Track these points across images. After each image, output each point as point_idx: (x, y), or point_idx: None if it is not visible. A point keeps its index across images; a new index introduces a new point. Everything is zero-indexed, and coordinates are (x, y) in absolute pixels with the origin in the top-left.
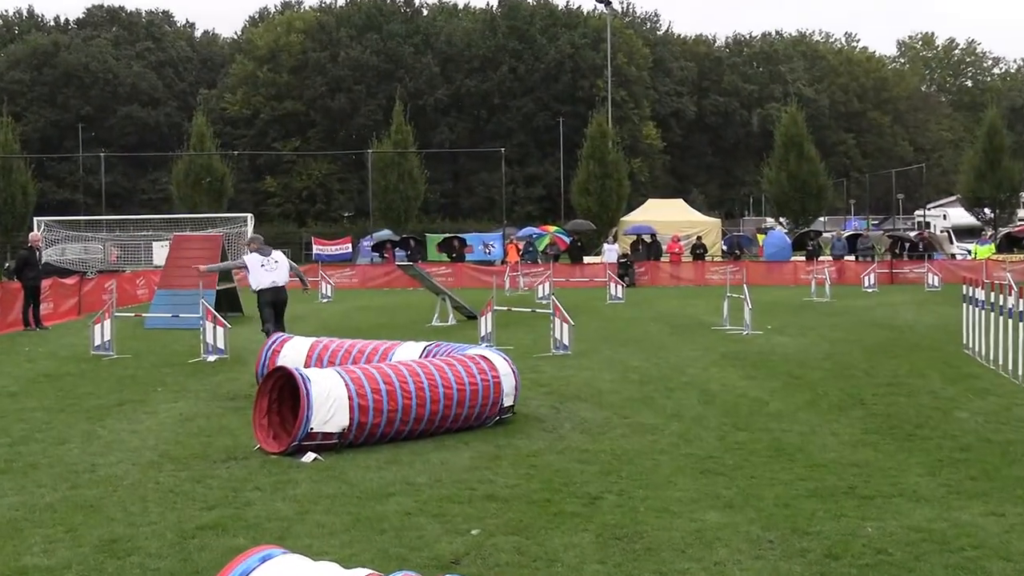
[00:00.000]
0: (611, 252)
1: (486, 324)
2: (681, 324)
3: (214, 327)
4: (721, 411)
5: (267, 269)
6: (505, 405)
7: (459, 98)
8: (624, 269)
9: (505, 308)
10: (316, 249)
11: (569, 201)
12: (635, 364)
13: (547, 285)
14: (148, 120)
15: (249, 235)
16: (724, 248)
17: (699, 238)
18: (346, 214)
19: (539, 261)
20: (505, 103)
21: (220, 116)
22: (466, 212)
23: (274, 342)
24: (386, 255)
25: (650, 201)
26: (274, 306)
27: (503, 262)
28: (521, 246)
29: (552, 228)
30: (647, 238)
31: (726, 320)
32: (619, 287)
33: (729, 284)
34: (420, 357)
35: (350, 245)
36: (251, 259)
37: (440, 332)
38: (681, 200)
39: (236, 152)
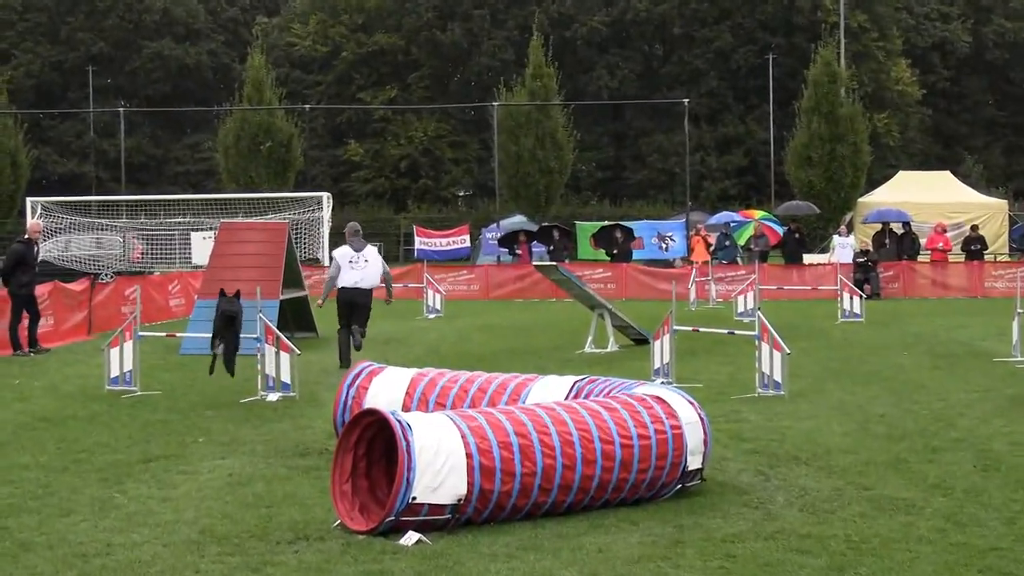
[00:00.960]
0: (844, 248)
1: (662, 351)
2: (948, 353)
3: (276, 353)
4: (1010, 482)
5: (354, 267)
6: (689, 468)
7: (623, 28)
8: (864, 272)
9: (689, 328)
10: (419, 243)
11: (782, 175)
12: (880, 411)
13: (750, 295)
14: (185, 61)
15: (325, 217)
16: (1013, 243)
17: (975, 228)
18: (461, 193)
19: (739, 261)
20: (689, 33)
21: (285, 56)
22: (633, 190)
23: (360, 375)
24: (519, 252)
25: (901, 174)
26: (351, 308)
27: (686, 261)
28: (713, 239)
29: (757, 214)
30: (897, 228)
31: (1016, 348)
32: (856, 299)
33: (1021, 296)
34: (567, 398)
35: (467, 237)
36: (340, 252)
37: (596, 362)
38: (948, 173)
39: (307, 106)
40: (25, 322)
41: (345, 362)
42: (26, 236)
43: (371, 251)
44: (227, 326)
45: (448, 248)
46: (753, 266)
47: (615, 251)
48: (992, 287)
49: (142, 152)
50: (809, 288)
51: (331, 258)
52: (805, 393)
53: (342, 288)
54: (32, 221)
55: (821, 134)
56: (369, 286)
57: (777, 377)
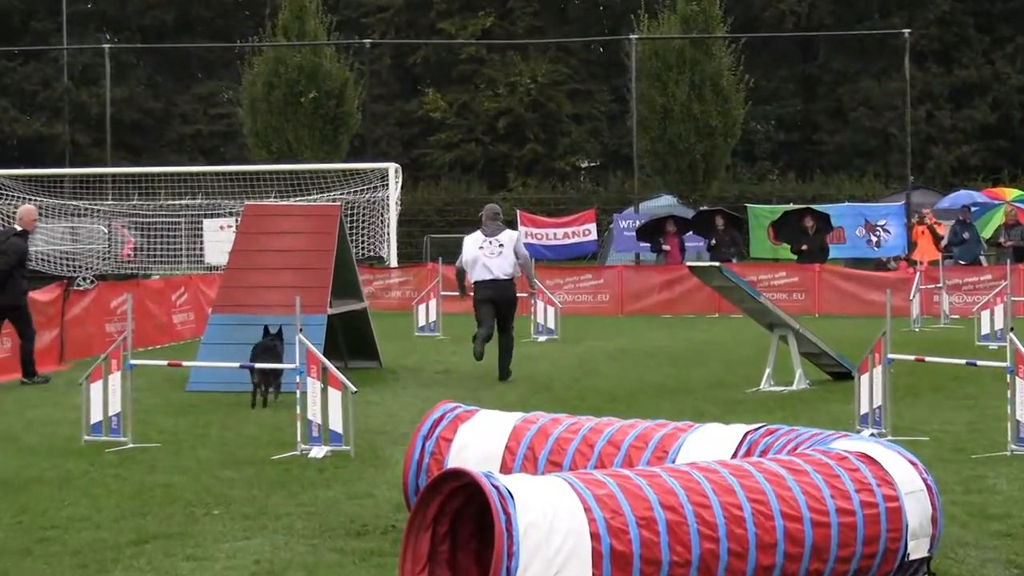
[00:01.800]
0: None
1: (871, 390)
2: None
3: (323, 391)
4: None
5: (486, 254)
6: (911, 557)
7: None
8: None
9: (911, 357)
10: (525, 235)
11: None
12: None
13: (1000, 311)
14: None
15: (392, 198)
16: None
17: None
18: (585, 164)
19: (982, 261)
20: None
21: None
22: (830, 160)
23: (440, 421)
24: (666, 247)
25: None
26: (493, 306)
27: (907, 262)
28: (944, 230)
29: (1010, 194)
30: None
31: None
32: None
33: None
34: (735, 456)
35: (593, 227)
36: (469, 240)
37: (777, 404)
38: None
39: (368, 42)
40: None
41: (503, 373)
42: (18, 227)
43: (507, 235)
44: (265, 355)
45: (565, 242)
46: (1004, 268)
47: (804, 246)
48: None
49: (135, 106)
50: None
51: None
52: None
53: (477, 283)
54: (25, 207)
55: None
56: (508, 275)
57: None
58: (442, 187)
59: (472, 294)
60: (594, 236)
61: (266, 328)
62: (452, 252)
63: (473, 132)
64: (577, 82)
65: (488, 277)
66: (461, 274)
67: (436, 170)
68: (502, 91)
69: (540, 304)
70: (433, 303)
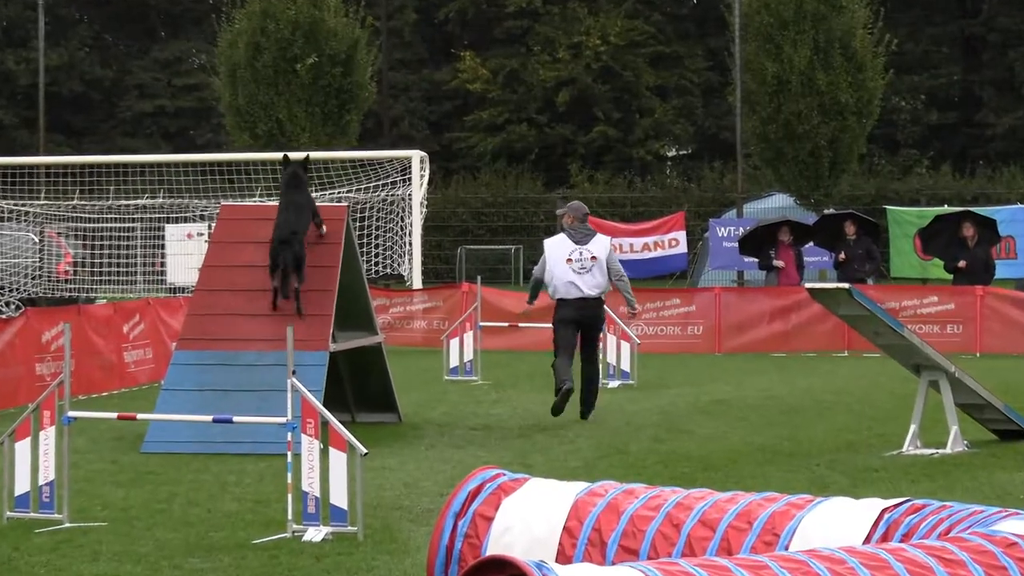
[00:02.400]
0: None
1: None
2: None
3: (323, 452)
4: None
5: (575, 268)
6: None
7: None
8: None
9: None
10: None
11: None
12: None
13: None
14: None
15: (416, 196)
16: None
17: None
18: (672, 153)
19: None
20: None
21: None
22: (999, 148)
23: (479, 493)
24: (778, 262)
25: None
26: (579, 327)
27: None
28: None
29: None
30: None
31: None
32: None
33: None
34: (869, 542)
35: (681, 236)
36: (552, 244)
37: (926, 472)
38: None
39: None
40: None
41: (586, 409)
42: None
43: (599, 244)
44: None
45: (645, 256)
46: None
47: (962, 263)
48: None
49: (76, 76)
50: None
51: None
52: None
53: (561, 300)
54: None
55: None
56: (597, 293)
57: None
58: (482, 182)
59: (555, 315)
60: (684, 248)
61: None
62: (493, 269)
63: (524, 110)
64: (662, 43)
65: (576, 295)
66: (537, 285)
67: (474, 160)
68: (562, 55)
69: (612, 339)
70: (469, 337)
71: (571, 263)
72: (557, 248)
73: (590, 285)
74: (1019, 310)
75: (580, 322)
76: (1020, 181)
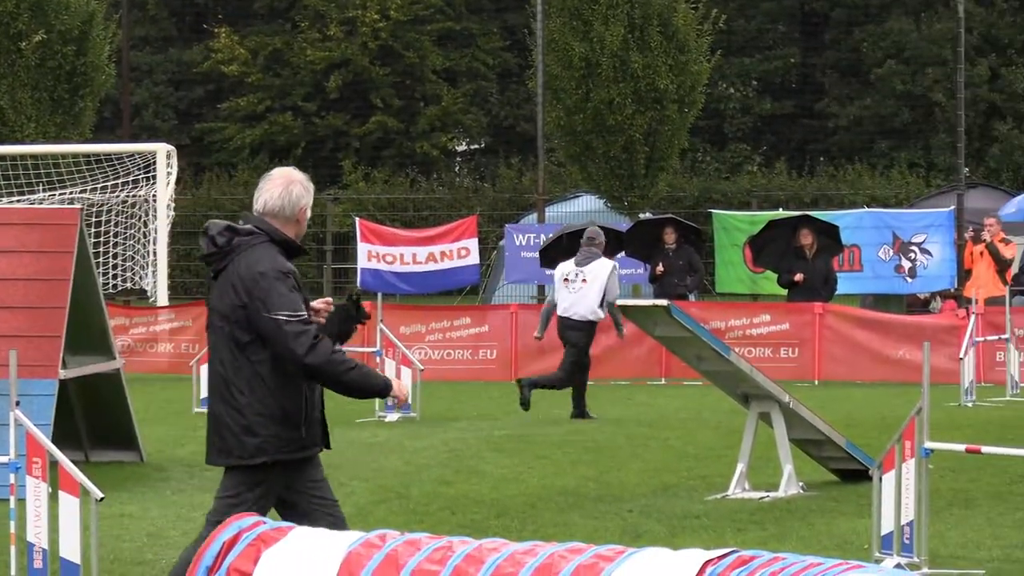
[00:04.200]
0: None
1: (898, 497)
2: None
3: (51, 497)
4: None
5: (569, 287)
6: None
7: None
8: None
9: (960, 447)
10: (367, 255)
11: None
12: None
13: None
14: None
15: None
16: None
17: None
18: (462, 147)
19: None
20: None
21: None
22: (842, 143)
23: (233, 544)
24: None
25: None
26: (564, 343)
27: (955, 298)
28: (1015, 250)
29: None
30: None
31: None
32: None
33: None
34: None
35: (474, 244)
36: (559, 270)
37: (755, 519)
38: None
39: None
40: None
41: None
42: None
43: (598, 266)
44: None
45: (430, 268)
46: None
47: (799, 275)
48: None
49: None
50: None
51: None
52: None
53: (559, 317)
54: None
55: None
56: (583, 316)
57: None
58: (239, 181)
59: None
60: (475, 258)
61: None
62: None
63: (289, 96)
64: (451, 19)
65: (564, 313)
66: (547, 314)
67: (230, 155)
68: (334, 32)
69: (390, 364)
70: None
71: (567, 283)
72: (560, 271)
73: (577, 307)
74: (864, 331)
75: (562, 338)
76: (866, 181)
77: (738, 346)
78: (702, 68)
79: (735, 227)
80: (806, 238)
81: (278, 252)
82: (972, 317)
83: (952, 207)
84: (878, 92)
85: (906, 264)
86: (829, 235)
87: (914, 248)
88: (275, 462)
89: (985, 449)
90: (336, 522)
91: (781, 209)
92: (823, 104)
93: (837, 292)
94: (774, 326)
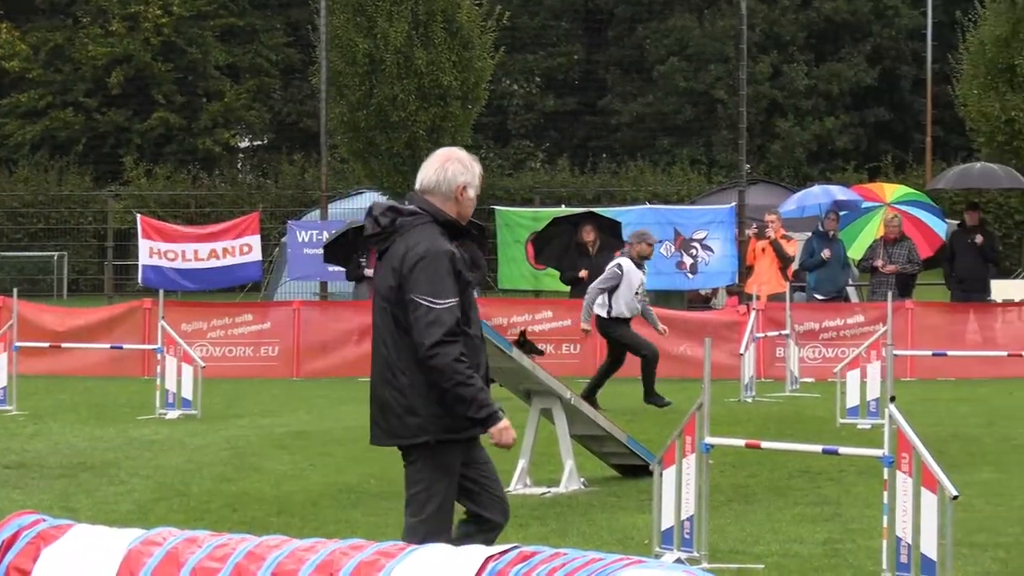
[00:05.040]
0: None
1: (678, 493)
2: None
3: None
4: None
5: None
6: None
7: None
8: None
9: (740, 442)
10: (148, 252)
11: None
12: None
13: (875, 371)
14: None
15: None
16: None
17: None
18: (245, 144)
19: (850, 294)
20: None
21: None
22: (624, 140)
23: (13, 541)
24: (368, 272)
25: None
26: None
27: (736, 293)
28: (795, 246)
29: (892, 192)
30: None
31: None
32: None
33: None
34: None
35: (256, 241)
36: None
37: (537, 513)
38: None
39: None
40: None
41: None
42: None
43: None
44: None
45: (212, 265)
46: (883, 304)
47: (582, 272)
48: None
49: None
50: (1005, 354)
51: None
52: None
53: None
54: None
55: None
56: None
57: (930, 551)
58: (19, 178)
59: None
60: (257, 255)
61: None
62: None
63: (70, 92)
64: (234, 15)
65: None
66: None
67: (10, 151)
68: (116, 28)
69: (172, 361)
70: (2, 360)
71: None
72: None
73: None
74: (647, 326)
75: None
76: (649, 177)
77: (519, 343)
78: (486, 65)
79: (518, 224)
80: (589, 235)
81: (440, 233)
82: (753, 314)
83: (733, 203)
84: (661, 89)
85: (687, 260)
86: (612, 231)
87: (695, 244)
88: (439, 442)
89: (765, 444)
90: (502, 504)
91: (564, 206)
92: (606, 101)
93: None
94: (556, 322)
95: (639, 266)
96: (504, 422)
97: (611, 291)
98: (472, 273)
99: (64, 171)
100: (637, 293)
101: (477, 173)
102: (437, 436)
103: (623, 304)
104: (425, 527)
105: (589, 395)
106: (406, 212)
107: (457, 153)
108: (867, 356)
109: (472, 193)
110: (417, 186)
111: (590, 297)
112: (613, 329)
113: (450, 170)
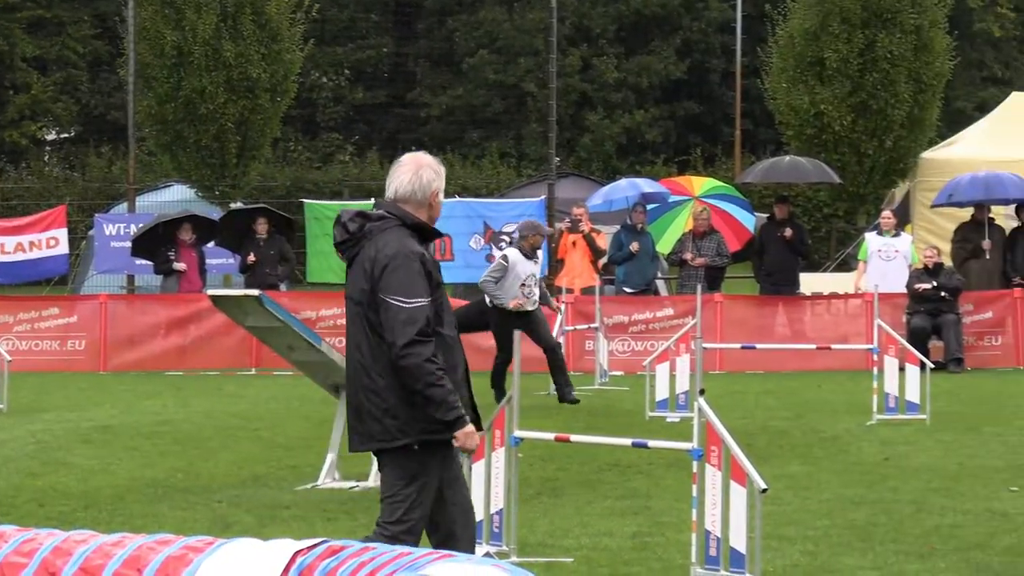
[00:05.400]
0: (890, 260)
1: (488, 487)
2: None
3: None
4: None
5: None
6: None
7: None
8: (932, 315)
9: (548, 436)
10: None
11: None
12: None
13: (685, 364)
14: None
15: None
16: None
17: None
18: (51, 135)
19: (660, 287)
20: None
21: None
22: (434, 132)
23: None
24: (179, 264)
25: (1015, 97)
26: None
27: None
28: (605, 239)
29: (701, 186)
30: (1008, 217)
31: None
32: (915, 372)
33: None
34: None
35: (63, 234)
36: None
37: (346, 508)
38: None
39: None
40: None
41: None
42: None
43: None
44: None
45: (18, 258)
46: (693, 297)
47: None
48: None
49: None
50: (813, 347)
51: None
52: (812, 573)
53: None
54: None
55: (845, 10)
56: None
57: (739, 544)
58: None
59: None
60: (64, 248)
61: None
62: None
63: None
64: (42, 7)
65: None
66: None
67: None
68: None
69: None
70: None
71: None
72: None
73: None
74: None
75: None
76: (458, 170)
77: (329, 336)
78: (295, 57)
79: (327, 217)
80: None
81: (409, 235)
82: (562, 307)
83: (543, 197)
84: (470, 82)
85: (497, 253)
86: None
87: (505, 237)
88: (421, 445)
89: (574, 438)
90: (468, 520)
91: (373, 199)
92: (415, 94)
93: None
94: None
95: (530, 257)
96: (470, 427)
97: (497, 282)
98: (281, 266)
99: None
100: (525, 284)
101: (444, 175)
102: (418, 438)
103: (506, 294)
104: (397, 531)
105: (496, 389)
106: (375, 217)
107: (425, 158)
108: (676, 349)
109: (442, 196)
110: (390, 195)
111: (483, 288)
112: (492, 318)
113: (424, 177)
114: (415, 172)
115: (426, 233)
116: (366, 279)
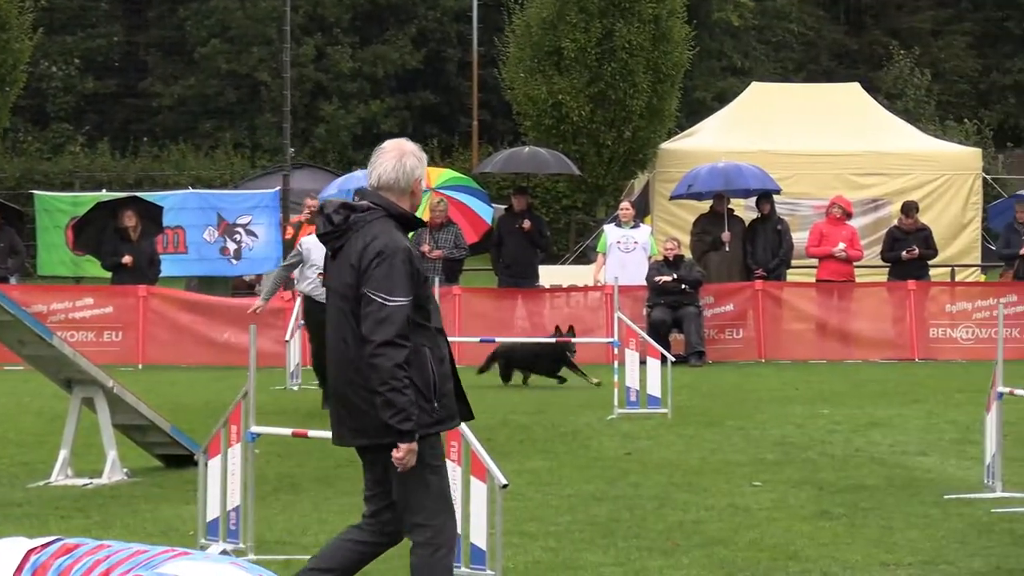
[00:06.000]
0: (629, 252)
1: (224, 483)
2: (851, 483)
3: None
4: None
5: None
6: None
7: None
8: (672, 308)
9: (286, 431)
10: None
11: (493, 88)
12: None
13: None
14: None
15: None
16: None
17: (910, 210)
18: None
19: None
20: None
21: None
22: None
23: None
24: (124, 259)
25: (757, 88)
26: None
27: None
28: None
29: (438, 177)
30: (747, 208)
31: (992, 472)
32: (655, 365)
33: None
34: None
35: None
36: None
37: (79, 505)
38: (857, 87)
39: None
40: None
41: None
42: None
43: None
44: None
45: None
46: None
47: (125, 257)
48: (945, 338)
49: None
50: (552, 340)
51: None
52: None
53: None
54: None
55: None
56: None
57: (480, 541)
58: None
59: None
60: None
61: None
62: None
63: None
64: None
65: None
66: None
67: None
68: None
69: None
70: None
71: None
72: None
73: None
74: (189, 314)
75: None
76: (191, 161)
77: (61, 330)
78: (24, 46)
79: (57, 209)
80: (130, 220)
81: (395, 227)
82: (298, 300)
83: (278, 188)
84: (203, 71)
85: (231, 246)
86: (152, 217)
87: (239, 230)
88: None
89: (312, 433)
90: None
91: (105, 190)
92: (147, 83)
93: (162, 274)
94: (97, 309)
95: None
96: (414, 445)
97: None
98: (11, 259)
99: None
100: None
101: (426, 161)
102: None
103: (307, 282)
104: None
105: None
106: (360, 208)
107: (408, 145)
108: None
109: (424, 184)
110: (373, 183)
111: (274, 277)
112: (305, 308)
113: (408, 164)
114: (398, 159)
115: (410, 223)
116: (353, 273)
